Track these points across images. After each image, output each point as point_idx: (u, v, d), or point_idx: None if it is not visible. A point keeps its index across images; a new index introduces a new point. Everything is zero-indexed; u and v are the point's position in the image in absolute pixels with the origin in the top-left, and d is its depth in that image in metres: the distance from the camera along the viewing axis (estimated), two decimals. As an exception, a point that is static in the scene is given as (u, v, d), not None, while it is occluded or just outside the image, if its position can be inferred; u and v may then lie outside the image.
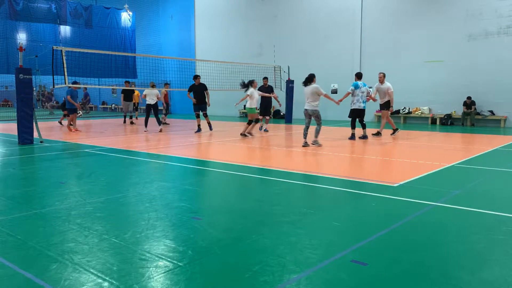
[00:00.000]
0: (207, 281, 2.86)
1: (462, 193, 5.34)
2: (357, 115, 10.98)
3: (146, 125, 13.87)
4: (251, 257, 3.25)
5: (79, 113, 15.02)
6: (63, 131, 14.10)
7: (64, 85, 13.08)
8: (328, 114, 20.02)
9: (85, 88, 16.15)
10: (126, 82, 18.71)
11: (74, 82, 14.09)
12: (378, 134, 11.88)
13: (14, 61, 20.27)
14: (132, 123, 18.30)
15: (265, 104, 13.87)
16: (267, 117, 14.07)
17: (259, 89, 13.41)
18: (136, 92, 18.65)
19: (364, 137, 10.99)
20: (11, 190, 5.60)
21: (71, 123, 13.96)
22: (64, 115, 15.78)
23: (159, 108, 15.02)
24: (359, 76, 11.02)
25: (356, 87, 10.78)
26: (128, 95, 17.84)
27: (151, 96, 13.96)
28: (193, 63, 22.05)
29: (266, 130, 13.77)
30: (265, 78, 14.38)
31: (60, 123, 16.38)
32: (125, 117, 18.49)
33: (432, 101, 17.12)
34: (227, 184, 6.30)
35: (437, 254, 3.32)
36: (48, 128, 14.88)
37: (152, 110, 13.95)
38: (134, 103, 18.70)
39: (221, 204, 5.02)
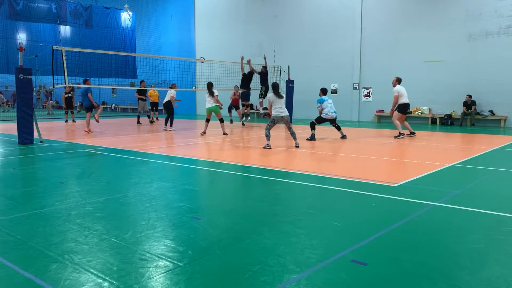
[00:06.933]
0: (207, 281, 2.85)
1: (462, 193, 5.34)
2: (330, 122, 11.47)
3: (165, 123, 14.66)
4: (251, 257, 3.25)
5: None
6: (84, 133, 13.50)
7: (63, 85, 13.07)
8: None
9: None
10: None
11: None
12: (411, 134, 11.82)
13: (14, 61, 20.30)
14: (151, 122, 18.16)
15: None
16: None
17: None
18: (156, 93, 18.65)
19: (344, 136, 11.49)
20: (11, 190, 5.60)
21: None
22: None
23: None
24: (324, 91, 11.46)
25: (322, 101, 11.25)
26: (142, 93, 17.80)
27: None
28: (193, 63, 22.04)
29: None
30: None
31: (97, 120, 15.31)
32: (149, 116, 18.19)
33: (432, 101, 17.13)
34: (227, 184, 6.30)
35: (437, 254, 3.32)
36: (48, 128, 14.87)
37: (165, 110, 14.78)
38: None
39: (221, 204, 5.02)
